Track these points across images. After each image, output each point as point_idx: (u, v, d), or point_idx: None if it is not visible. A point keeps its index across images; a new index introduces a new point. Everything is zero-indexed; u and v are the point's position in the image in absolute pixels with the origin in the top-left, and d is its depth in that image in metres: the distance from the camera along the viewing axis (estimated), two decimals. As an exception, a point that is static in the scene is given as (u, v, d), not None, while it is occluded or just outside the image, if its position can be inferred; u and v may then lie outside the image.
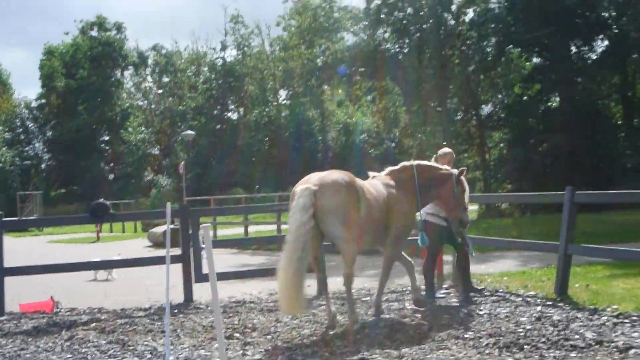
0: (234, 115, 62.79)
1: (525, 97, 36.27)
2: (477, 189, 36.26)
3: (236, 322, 8.46)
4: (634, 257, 9.93)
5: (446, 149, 9.84)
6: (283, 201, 29.45)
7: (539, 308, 8.38)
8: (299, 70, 53.08)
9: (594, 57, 36.46)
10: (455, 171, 8.95)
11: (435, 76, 35.42)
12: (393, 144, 50.49)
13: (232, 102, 62.29)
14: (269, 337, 7.60)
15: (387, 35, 39.18)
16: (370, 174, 8.85)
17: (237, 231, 27.30)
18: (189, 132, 35.64)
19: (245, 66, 61.79)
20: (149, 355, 7.01)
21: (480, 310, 8.51)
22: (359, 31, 40.69)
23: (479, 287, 10.08)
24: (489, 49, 36.78)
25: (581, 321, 7.52)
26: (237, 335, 7.75)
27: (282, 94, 63.23)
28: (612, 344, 6.51)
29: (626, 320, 7.51)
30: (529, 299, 9.12)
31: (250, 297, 10.53)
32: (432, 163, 9.09)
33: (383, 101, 42.96)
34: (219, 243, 15.94)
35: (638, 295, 9.40)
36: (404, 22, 37.24)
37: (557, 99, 37.44)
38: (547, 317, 7.77)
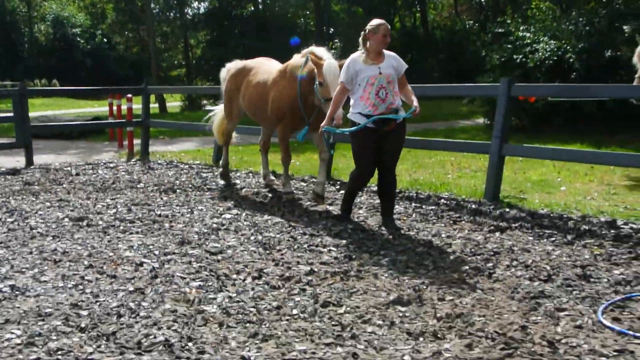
0: None
1: (221, 4, 39.81)
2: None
3: None
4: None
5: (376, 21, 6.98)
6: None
7: (196, 171, 11.83)
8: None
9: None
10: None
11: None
12: (105, 40, 51.40)
13: None
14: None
15: None
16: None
17: None
18: None
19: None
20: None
21: (155, 171, 11.97)
22: None
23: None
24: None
25: (215, 175, 11.17)
26: None
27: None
28: (236, 186, 10.33)
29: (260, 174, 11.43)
30: (193, 166, 12.64)
31: None
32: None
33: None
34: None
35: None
36: None
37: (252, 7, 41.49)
38: (201, 175, 11.34)
